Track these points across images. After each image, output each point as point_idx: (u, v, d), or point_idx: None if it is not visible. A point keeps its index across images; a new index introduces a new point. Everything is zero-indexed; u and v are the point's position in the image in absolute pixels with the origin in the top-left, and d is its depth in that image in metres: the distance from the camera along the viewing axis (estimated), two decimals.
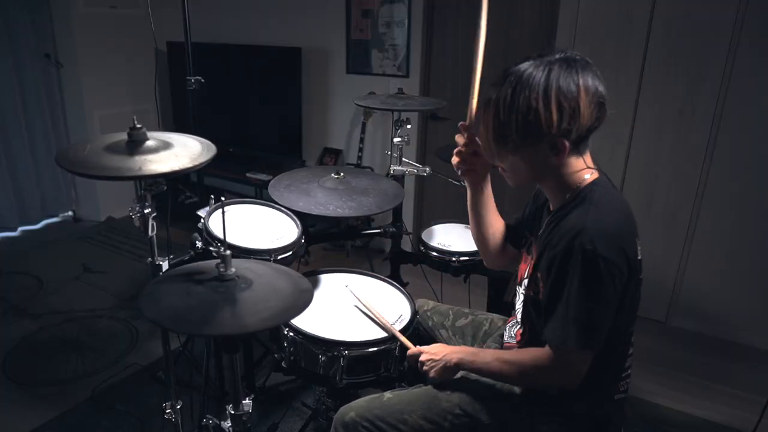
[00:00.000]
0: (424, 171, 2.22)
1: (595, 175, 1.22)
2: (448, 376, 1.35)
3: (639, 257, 1.19)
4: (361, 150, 3.67)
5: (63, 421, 2.21)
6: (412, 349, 1.44)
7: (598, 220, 1.12)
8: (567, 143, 1.14)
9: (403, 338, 1.48)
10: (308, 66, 3.74)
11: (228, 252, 1.11)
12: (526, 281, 1.32)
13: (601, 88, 1.15)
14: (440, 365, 1.34)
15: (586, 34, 2.82)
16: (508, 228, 1.51)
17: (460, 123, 1.37)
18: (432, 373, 1.36)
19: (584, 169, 1.21)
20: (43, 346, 2.70)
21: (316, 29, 3.76)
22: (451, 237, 2.21)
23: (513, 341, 1.39)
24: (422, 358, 1.38)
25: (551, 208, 1.28)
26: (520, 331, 1.35)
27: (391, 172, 2.22)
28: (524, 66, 1.18)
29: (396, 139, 2.21)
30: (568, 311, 1.12)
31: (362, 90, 3.53)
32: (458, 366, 1.33)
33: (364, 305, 1.61)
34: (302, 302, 1.09)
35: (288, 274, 1.20)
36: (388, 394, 1.38)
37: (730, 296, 2.79)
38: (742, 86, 2.53)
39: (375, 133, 3.74)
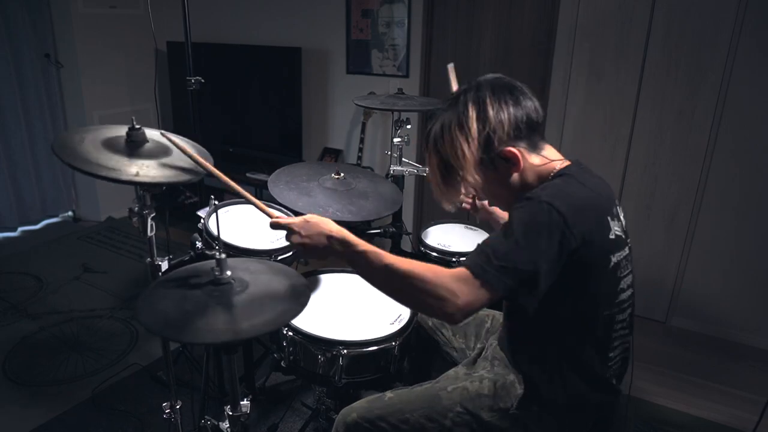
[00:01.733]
0: (424, 171, 2.22)
1: (565, 163, 1.20)
2: (325, 253, 1.18)
3: (612, 236, 1.13)
4: (361, 150, 3.67)
5: (63, 421, 2.21)
6: (276, 220, 1.21)
7: (557, 186, 1.12)
8: (515, 150, 1.15)
9: (250, 197, 1.29)
10: (308, 66, 3.74)
11: (223, 255, 1.10)
12: None
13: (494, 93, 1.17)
14: (318, 249, 1.17)
15: (586, 34, 2.82)
16: None
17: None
18: (307, 253, 1.19)
19: (548, 163, 1.19)
20: (43, 346, 2.70)
21: (316, 29, 3.76)
22: (451, 237, 2.22)
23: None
24: (294, 239, 1.18)
25: None
26: (503, 326, 1.34)
27: (391, 172, 2.22)
28: (436, 119, 1.23)
29: (396, 139, 2.22)
30: (491, 239, 1.09)
31: (362, 90, 3.53)
32: (332, 254, 1.17)
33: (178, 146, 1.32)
34: (299, 304, 1.08)
35: (285, 274, 1.19)
36: (389, 394, 1.38)
37: (730, 296, 2.79)
38: (742, 86, 2.53)
39: (375, 133, 3.74)
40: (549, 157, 1.21)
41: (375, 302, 1.66)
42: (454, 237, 2.22)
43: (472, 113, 1.15)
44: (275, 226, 1.21)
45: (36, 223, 4.18)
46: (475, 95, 1.16)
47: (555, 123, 2.99)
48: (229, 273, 1.10)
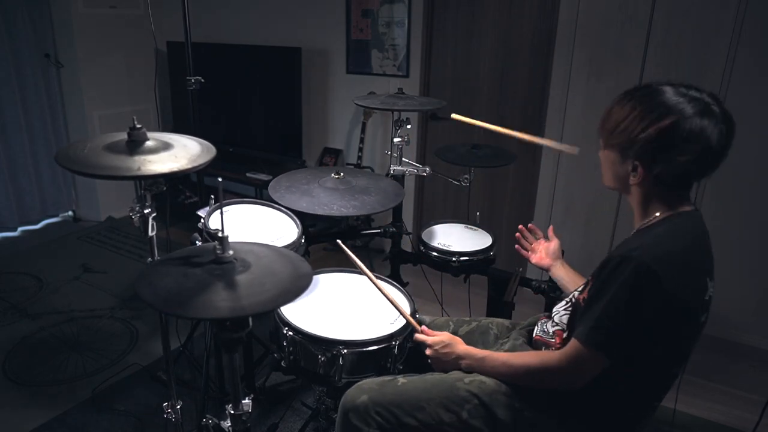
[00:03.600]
0: (424, 171, 2.22)
1: (690, 211, 1.21)
2: (451, 370, 1.38)
3: (706, 297, 1.17)
4: (361, 150, 3.67)
5: (63, 421, 2.21)
6: (420, 336, 1.43)
7: (664, 242, 1.13)
8: (642, 170, 1.17)
9: (407, 316, 1.48)
10: (308, 66, 3.74)
11: (226, 234, 1.09)
12: (581, 286, 1.32)
13: (717, 143, 1.12)
14: (446, 366, 1.37)
15: (586, 34, 2.82)
16: None
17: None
18: (435, 367, 1.40)
19: (675, 204, 1.21)
20: (43, 346, 2.70)
21: (316, 29, 3.76)
22: (451, 237, 2.21)
23: (550, 338, 1.37)
24: (428, 352, 1.39)
25: (634, 226, 1.29)
26: (563, 334, 1.33)
27: (391, 172, 2.22)
28: (665, 88, 1.18)
29: (396, 139, 2.21)
30: (602, 310, 1.12)
31: (362, 90, 3.54)
32: (466, 370, 1.35)
33: (361, 266, 1.57)
34: (301, 285, 1.07)
35: (288, 257, 1.18)
36: (402, 379, 1.36)
37: (730, 296, 2.79)
38: (741, 86, 2.53)
39: (375, 133, 3.74)
40: (677, 199, 1.22)
41: (375, 302, 1.66)
42: (454, 237, 2.22)
43: (680, 128, 1.11)
44: (419, 340, 1.43)
45: (36, 223, 4.18)
46: (691, 124, 1.11)
47: (555, 123, 3.00)
48: (231, 252, 1.09)
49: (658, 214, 1.21)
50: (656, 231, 1.17)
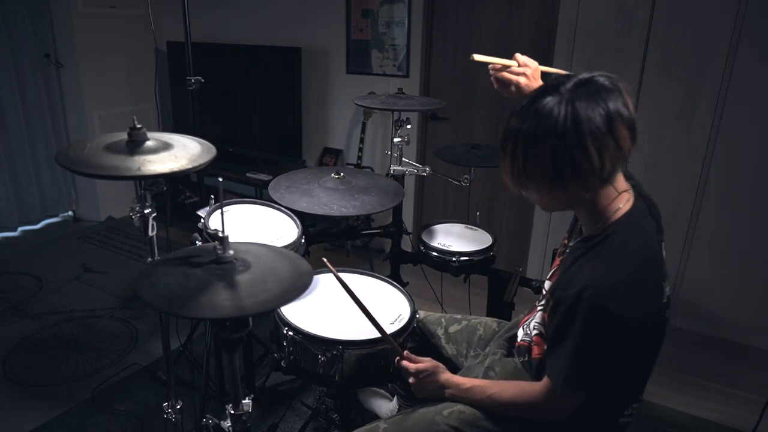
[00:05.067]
0: (424, 171, 2.22)
1: (630, 203, 1.14)
2: (434, 396, 1.37)
3: (664, 300, 1.16)
4: (361, 150, 3.67)
5: (63, 421, 2.21)
6: (403, 363, 1.36)
7: (613, 270, 1.07)
8: (598, 183, 1.08)
9: (392, 341, 1.39)
10: (308, 66, 3.74)
11: (226, 234, 1.10)
12: (547, 296, 1.31)
13: (629, 112, 1.08)
14: (430, 393, 1.36)
15: (586, 34, 2.82)
16: None
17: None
18: (417, 394, 1.39)
19: (617, 197, 1.13)
20: (43, 346, 2.70)
21: (316, 29, 3.76)
22: (451, 237, 2.22)
23: (530, 343, 1.36)
24: (411, 380, 1.35)
25: (582, 231, 1.24)
26: (543, 344, 1.30)
27: (391, 172, 2.22)
28: (545, 102, 1.05)
29: (396, 139, 2.21)
30: (569, 357, 1.11)
31: (362, 90, 3.53)
32: (448, 400, 1.34)
33: (346, 288, 1.40)
34: (301, 285, 1.07)
35: (287, 257, 1.18)
36: (382, 425, 1.36)
37: (730, 296, 2.79)
38: (742, 86, 2.53)
39: (375, 133, 3.74)
40: (616, 189, 1.13)
41: (375, 302, 1.66)
42: (454, 237, 2.22)
43: (591, 134, 1.03)
44: (401, 367, 1.37)
45: (36, 223, 4.18)
46: (592, 106, 1.06)
47: None
48: (231, 252, 1.09)
49: (605, 218, 1.14)
50: (603, 255, 1.10)
